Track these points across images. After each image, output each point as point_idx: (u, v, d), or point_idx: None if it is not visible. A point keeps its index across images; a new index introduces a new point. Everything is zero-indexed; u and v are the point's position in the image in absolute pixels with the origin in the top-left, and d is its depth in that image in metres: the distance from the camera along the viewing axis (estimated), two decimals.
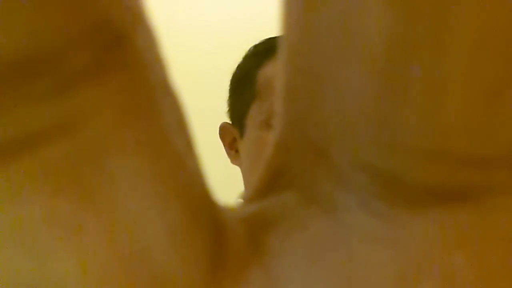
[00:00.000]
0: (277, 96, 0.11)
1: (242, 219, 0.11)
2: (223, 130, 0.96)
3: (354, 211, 0.10)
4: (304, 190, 0.11)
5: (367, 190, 0.10)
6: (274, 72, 0.85)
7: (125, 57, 0.09)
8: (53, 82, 0.09)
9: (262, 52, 0.90)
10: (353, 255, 0.10)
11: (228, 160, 0.96)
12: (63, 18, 0.09)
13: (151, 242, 0.10)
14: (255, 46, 0.93)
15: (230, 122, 0.95)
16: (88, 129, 0.09)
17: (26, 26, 0.08)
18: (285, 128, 0.11)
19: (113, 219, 0.09)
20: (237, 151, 0.94)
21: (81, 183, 0.09)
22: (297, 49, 0.10)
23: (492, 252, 0.10)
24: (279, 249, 0.11)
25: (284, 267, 0.11)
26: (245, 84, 0.90)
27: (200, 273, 0.10)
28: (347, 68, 0.09)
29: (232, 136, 0.94)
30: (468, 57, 0.09)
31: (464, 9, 0.09)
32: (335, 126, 0.10)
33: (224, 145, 0.96)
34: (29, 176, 0.09)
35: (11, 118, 0.09)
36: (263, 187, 0.12)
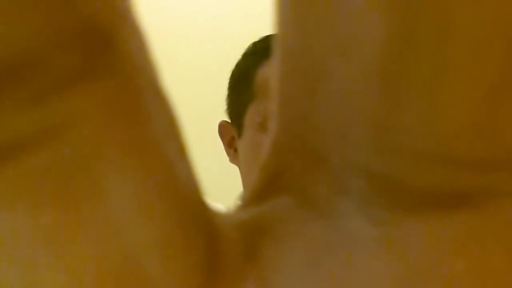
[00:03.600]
0: (272, 97, 0.11)
1: (237, 225, 0.11)
2: (222, 129, 0.95)
3: (352, 216, 0.10)
4: (300, 194, 0.11)
5: (366, 194, 0.10)
6: (271, 72, 0.85)
7: (113, 61, 0.09)
8: (38, 87, 0.08)
9: (261, 51, 0.89)
10: (351, 261, 0.10)
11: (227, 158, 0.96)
12: (48, 22, 0.08)
13: (141, 254, 0.09)
14: (254, 44, 0.93)
15: (229, 121, 0.95)
16: (74, 136, 0.09)
17: (9, 30, 0.08)
18: (281, 131, 0.11)
19: (101, 230, 0.09)
20: (236, 150, 0.93)
21: (68, 193, 0.09)
22: (293, 49, 0.10)
23: (494, 257, 0.10)
24: (275, 255, 0.10)
25: (280, 274, 0.10)
26: (243, 83, 0.90)
27: (195, 284, 0.10)
28: (345, 69, 0.09)
29: (231, 135, 0.94)
30: (470, 59, 0.09)
31: (466, 10, 0.08)
32: (332, 129, 0.10)
33: (223, 144, 0.96)
34: (14, 185, 0.09)
35: None
36: (258, 191, 0.12)
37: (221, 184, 1.04)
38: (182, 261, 0.10)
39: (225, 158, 0.96)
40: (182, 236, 0.10)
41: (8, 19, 0.08)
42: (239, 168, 0.92)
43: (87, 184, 0.09)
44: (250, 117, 0.87)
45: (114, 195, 0.09)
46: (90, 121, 0.09)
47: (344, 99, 0.09)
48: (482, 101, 0.09)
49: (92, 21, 0.09)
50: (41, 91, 0.09)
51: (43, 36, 0.08)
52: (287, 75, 0.10)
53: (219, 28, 1.66)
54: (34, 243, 0.09)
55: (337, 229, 0.10)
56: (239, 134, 0.90)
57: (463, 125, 0.09)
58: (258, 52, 0.90)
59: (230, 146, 0.94)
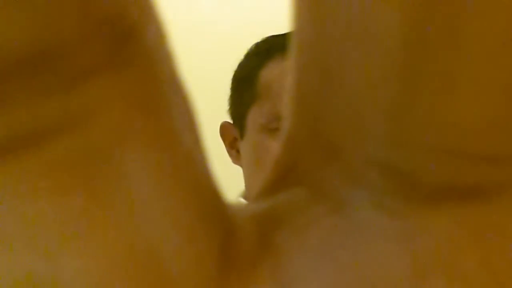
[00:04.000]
0: (287, 91, 0.11)
1: (251, 216, 0.11)
2: (224, 129, 0.95)
3: (366, 209, 0.10)
4: (314, 187, 0.11)
5: (380, 187, 0.10)
6: (275, 74, 0.85)
7: (135, 52, 0.09)
8: (62, 77, 0.09)
9: (264, 52, 0.89)
10: (365, 253, 0.10)
11: (229, 159, 0.96)
12: (73, 12, 0.08)
13: (160, 239, 0.09)
14: (257, 45, 0.93)
15: (231, 122, 0.95)
16: (97, 124, 0.09)
17: (36, 20, 0.08)
18: (296, 124, 0.11)
19: (122, 216, 0.09)
20: (238, 151, 0.93)
21: (91, 180, 0.09)
22: (310, 44, 0.10)
23: (506, 251, 0.10)
24: (289, 247, 0.11)
25: (294, 265, 0.10)
26: (246, 85, 0.90)
27: (209, 271, 0.10)
28: (362, 62, 0.09)
29: (233, 135, 0.94)
30: (487, 53, 0.09)
31: (483, 4, 0.08)
32: (347, 122, 0.10)
33: (225, 145, 0.96)
34: (38, 172, 0.09)
35: (21, 113, 0.09)
36: (272, 184, 0.12)
37: (221, 183, 1.04)
38: (199, 250, 0.10)
39: (227, 158, 0.96)
40: (199, 225, 0.10)
41: (37, 10, 0.08)
42: (242, 168, 0.92)
43: (109, 171, 0.09)
44: (253, 118, 0.87)
45: (135, 183, 0.09)
46: (113, 110, 0.09)
47: (360, 93, 0.10)
48: (500, 95, 0.09)
49: (115, 14, 0.09)
50: (67, 80, 0.09)
51: (69, 27, 0.08)
52: (303, 69, 0.10)
53: (222, 28, 1.66)
54: (57, 230, 0.09)
55: (351, 221, 0.10)
56: (242, 135, 0.90)
57: (481, 119, 0.09)
58: (261, 53, 0.90)
59: (232, 147, 0.94)
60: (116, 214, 0.09)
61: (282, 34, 0.87)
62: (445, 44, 0.09)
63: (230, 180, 0.96)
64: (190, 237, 0.10)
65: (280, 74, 0.84)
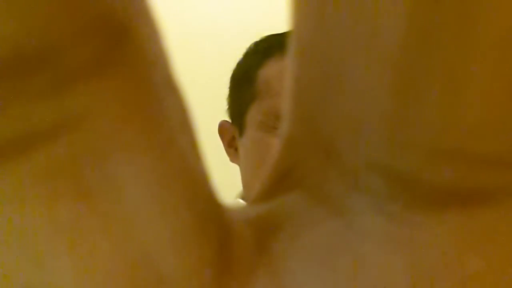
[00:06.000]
0: (286, 91, 0.11)
1: (249, 220, 0.11)
2: (222, 128, 0.95)
3: (366, 213, 0.10)
4: (313, 190, 0.11)
5: (380, 191, 0.10)
6: (274, 72, 0.85)
7: (128, 52, 0.09)
8: (53, 79, 0.08)
9: (263, 50, 0.89)
10: (364, 258, 0.10)
11: (227, 158, 0.96)
12: (64, 12, 0.08)
13: (154, 246, 0.09)
14: (256, 44, 0.92)
15: (230, 120, 0.95)
16: (89, 128, 0.09)
17: (25, 20, 0.08)
18: (295, 125, 0.11)
19: (115, 222, 0.09)
20: (236, 149, 0.93)
21: (82, 185, 0.09)
22: (310, 43, 0.10)
23: (510, 255, 0.10)
24: (287, 251, 0.10)
25: (292, 270, 0.10)
26: (244, 83, 0.90)
27: (206, 277, 0.10)
28: (363, 65, 0.09)
29: (231, 134, 0.94)
30: (493, 53, 0.09)
31: (489, 5, 0.08)
32: (347, 125, 0.10)
33: (223, 143, 0.96)
34: (29, 177, 0.09)
35: (11, 116, 0.08)
36: (270, 187, 0.12)
37: (220, 183, 1.04)
38: (195, 255, 0.10)
39: (224, 157, 0.96)
40: (195, 230, 0.10)
41: (27, 10, 0.08)
42: (240, 167, 0.92)
43: (102, 176, 0.09)
44: (252, 116, 0.87)
45: (129, 188, 0.09)
46: (106, 113, 0.09)
47: (361, 95, 0.09)
48: (503, 97, 0.09)
49: (108, 14, 0.09)
50: (58, 82, 0.08)
51: (61, 28, 0.08)
52: (303, 69, 0.10)
53: (220, 27, 1.66)
54: (48, 236, 0.09)
55: (350, 225, 0.10)
56: (240, 133, 0.90)
57: (483, 121, 0.09)
58: (260, 51, 0.90)
59: (231, 145, 0.94)
60: (110, 220, 0.09)
61: (281, 33, 0.87)
62: (450, 45, 0.09)
63: (228, 180, 0.96)
64: (186, 242, 0.09)
65: (279, 72, 0.84)
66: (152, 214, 0.09)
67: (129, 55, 0.09)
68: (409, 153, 0.09)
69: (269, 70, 0.86)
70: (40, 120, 0.09)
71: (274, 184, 0.12)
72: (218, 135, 0.96)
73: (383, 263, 0.10)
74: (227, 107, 0.95)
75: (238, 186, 0.93)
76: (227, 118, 0.96)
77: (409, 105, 0.09)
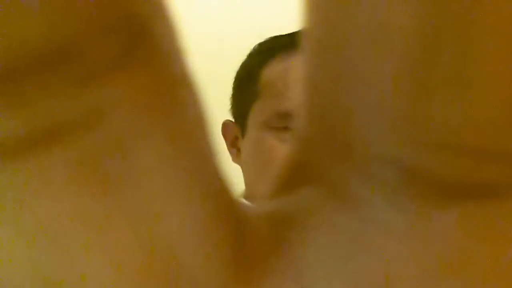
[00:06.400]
0: (300, 90, 0.11)
1: (264, 216, 0.11)
2: (225, 128, 0.95)
3: (380, 207, 0.10)
4: (328, 185, 0.11)
5: (393, 185, 0.10)
6: (277, 72, 0.85)
7: (148, 50, 0.09)
8: (78, 75, 0.09)
9: (266, 51, 0.89)
10: (378, 250, 0.10)
11: (228, 158, 0.96)
12: (88, 10, 0.09)
13: (176, 236, 0.09)
14: (260, 45, 0.93)
15: (233, 120, 0.95)
16: (113, 122, 0.09)
17: (52, 18, 0.08)
18: (309, 122, 0.11)
19: (139, 214, 0.09)
20: (238, 149, 0.93)
21: (107, 178, 0.09)
22: (324, 43, 0.10)
23: None
24: (303, 246, 0.11)
25: (309, 263, 0.10)
26: (248, 83, 0.90)
27: (223, 267, 0.10)
28: (375, 61, 0.09)
29: (234, 134, 0.94)
30: (502, 49, 0.09)
31: (497, 1, 0.08)
32: (361, 120, 0.10)
33: (226, 143, 0.96)
34: (56, 170, 0.09)
35: (36, 110, 0.09)
36: (285, 183, 0.12)
37: None
38: (214, 250, 0.10)
39: (225, 157, 0.96)
40: (215, 224, 0.10)
41: (51, 8, 0.08)
42: (241, 167, 0.92)
43: (125, 169, 0.09)
44: (255, 116, 0.87)
45: (152, 181, 0.09)
46: (128, 108, 0.09)
47: (373, 91, 0.10)
48: None
49: (128, 12, 0.09)
50: (82, 78, 0.09)
51: (83, 25, 0.09)
52: (317, 68, 0.10)
53: (224, 27, 1.66)
54: (75, 228, 0.09)
55: (365, 219, 0.10)
56: (243, 133, 0.90)
57: (494, 117, 0.09)
58: (264, 52, 0.90)
59: (233, 145, 0.94)
60: (132, 213, 0.09)
61: (285, 34, 0.87)
62: (461, 42, 0.09)
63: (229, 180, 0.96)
64: (208, 238, 0.10)
65: (282, 73, 0.84)
66: (174, 206, 0.09)
67: (149, 52, 0.09)
68: (421, 148, 0.10)
69: (272, 70, 0.86)
70: (65, 114, 0.09)
71: (289, 180, 0.12)
72: (220, 134, 0.96)
73: (397, 255, 0.10)
74: (230, 107, 0.96)
75: (238, 186, 0.93)
76: (230, 118, 0.96)
77: (420, 102, 0.09)
